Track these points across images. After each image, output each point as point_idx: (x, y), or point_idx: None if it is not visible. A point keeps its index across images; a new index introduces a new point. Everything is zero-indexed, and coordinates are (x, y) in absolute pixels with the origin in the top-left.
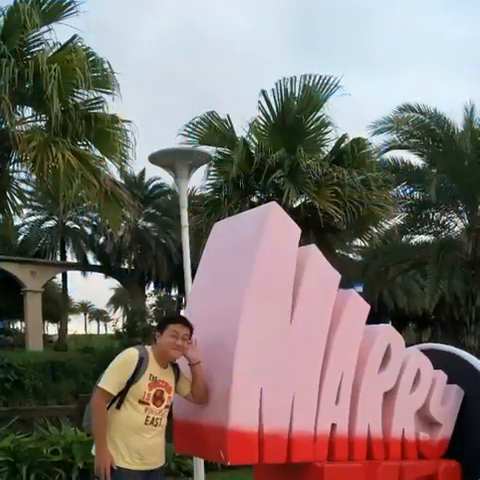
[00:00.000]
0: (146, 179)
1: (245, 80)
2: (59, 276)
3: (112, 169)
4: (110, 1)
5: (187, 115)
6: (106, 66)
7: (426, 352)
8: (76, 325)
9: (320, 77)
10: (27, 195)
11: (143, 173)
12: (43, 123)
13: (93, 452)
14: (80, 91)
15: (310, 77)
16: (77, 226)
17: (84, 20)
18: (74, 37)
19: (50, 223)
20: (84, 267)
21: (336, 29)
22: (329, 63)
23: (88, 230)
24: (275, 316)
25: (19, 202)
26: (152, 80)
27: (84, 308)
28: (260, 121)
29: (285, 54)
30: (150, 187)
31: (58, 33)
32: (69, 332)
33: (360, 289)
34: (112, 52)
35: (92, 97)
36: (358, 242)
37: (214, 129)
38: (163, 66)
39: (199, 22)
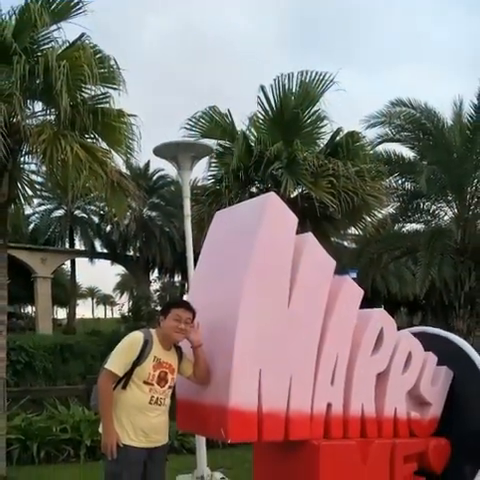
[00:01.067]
0: (151, 170)
1: (245, 80)
2: (68, 263)
3: (118, 161)
4: (111, 2)
5: (186, 115)
6: (112, 63)
7: (417, 335)
8: (84, 309)
9: (316, 73)
10: (37, 186)
11: (148, 165)
12: (52, 117)
13: (100, 430)
14: (88, 86)
15: (307, 73)
16: (85, 215)
17: (92, 19)
18: (82, 35)
19: (59, 212)
20: (91, 254)
21: (336, 29)
22: (328, 63)
23: (95, 219)
24: (273, 301)
25: (30, 192)
26: (152, 80)
27: (91, 293)
28: (259, 115)
29: (285, 54)
30: (154, 178)
31: (67, 31)
32: (77, 316)
33: (354, 275)
34: (114, 52)
35: (99, 92)
36: (352, 230)
37: (215, 123)
38: (163, 66)
39: (199, 22)
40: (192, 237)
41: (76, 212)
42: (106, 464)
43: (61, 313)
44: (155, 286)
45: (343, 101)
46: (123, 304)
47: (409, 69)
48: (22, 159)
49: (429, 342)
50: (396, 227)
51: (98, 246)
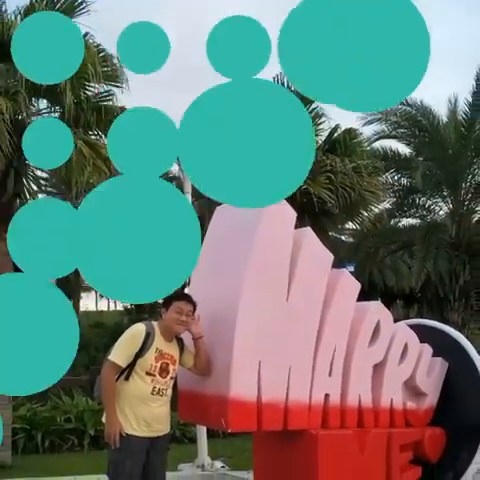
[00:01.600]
0: None
1: None
2: None
3: None
4: (113, 1)
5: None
6: (115, 61)
7: (413, 327)
8: (87, 302)
9: None
10: (42, 181)
11: None
12: (57, 114)
13: (103, 420)
14: (91, 84)
15: None
16: None
17: (96, 18)
18: (86, 34)
19: None
20: None
21: None
22: None
23: None
24: (273, 295)
25: (35, 188)
26: (154, 78)
27: None
28: None
29: None
30: None
31: None
32: (81, 308)
33: (351, 269)
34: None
35: (102, 90)
36: (350, 225)
37: None
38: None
39: (199, 22)
40: None
41: None
42: (109, 453)
43: None
44: None
45: None
46: None
47: None
48: None
49: (425, 334)
50: (392, 222)
51: None
